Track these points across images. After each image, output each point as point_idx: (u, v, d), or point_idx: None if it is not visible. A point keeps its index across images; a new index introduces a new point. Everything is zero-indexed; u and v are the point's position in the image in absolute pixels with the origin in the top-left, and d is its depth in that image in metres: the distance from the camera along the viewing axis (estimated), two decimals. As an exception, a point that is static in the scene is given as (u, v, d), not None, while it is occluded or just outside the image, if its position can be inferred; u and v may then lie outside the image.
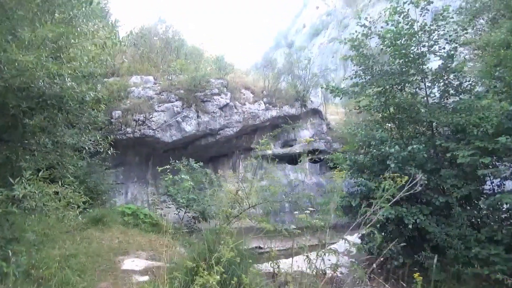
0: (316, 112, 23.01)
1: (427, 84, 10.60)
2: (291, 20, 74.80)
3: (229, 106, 17.30)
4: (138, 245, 8.27)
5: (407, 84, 10.71)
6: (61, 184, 5.19)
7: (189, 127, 16.13)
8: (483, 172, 8.29)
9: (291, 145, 21.95)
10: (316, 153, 22.36)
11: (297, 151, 21.49)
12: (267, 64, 23.36)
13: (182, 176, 9.72)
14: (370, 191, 9.87)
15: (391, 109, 10.76)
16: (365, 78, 11.14)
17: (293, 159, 22.22)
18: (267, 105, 19.26)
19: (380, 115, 11.54)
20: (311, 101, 22.31)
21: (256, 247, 17.72)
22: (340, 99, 13.17)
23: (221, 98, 17.01)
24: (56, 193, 4.78)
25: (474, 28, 13.45)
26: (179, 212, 12.34)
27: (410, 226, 8.72)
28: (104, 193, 12.58)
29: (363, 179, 10.00)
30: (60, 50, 5.27)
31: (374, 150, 10.32)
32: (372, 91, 11.42)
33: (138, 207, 11.69)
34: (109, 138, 7.97)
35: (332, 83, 28.76)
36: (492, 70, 9.77)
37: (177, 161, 8.76)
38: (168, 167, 7.54)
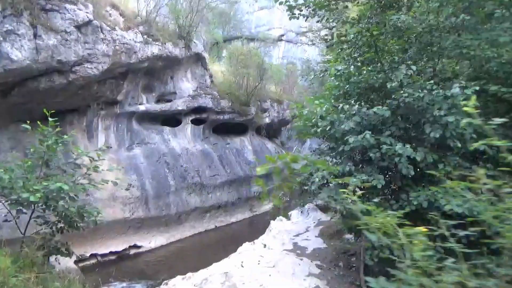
0: (199, 59, 17.73)
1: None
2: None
3: (92, 27, 10.46)
4: None
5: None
6: None
7: (19, 52, 8.79)
8: None
9: (169, 100, 16.24)
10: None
11: (179, 108, 16.07)
12: None
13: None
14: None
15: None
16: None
17: (169, 120, 16.68)
18: (145, 37, 12.98)
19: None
20: (195, 42, 16.90)
21: (129, 247, 11.88)
22: (306, 20, 8.67)
23: (79, 10, 10.03)
24: None
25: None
26: (18, 217, 5.83)
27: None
28: None
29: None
30: None
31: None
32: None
33: None
34: None
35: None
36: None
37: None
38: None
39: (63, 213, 5.83)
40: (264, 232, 12.15)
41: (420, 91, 6.15)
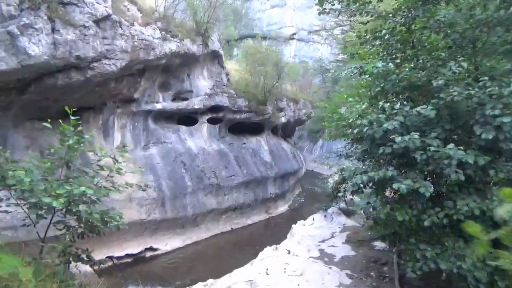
0: (215, 57, 17.33)
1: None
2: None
3: (110, 22, 10.09)
4: None
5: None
6: None
7: (37, 47, 8.44)
8: None
9: (186, 98, 15.84)
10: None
11: (196, 107, 15.66)
12: None
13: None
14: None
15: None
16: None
17: (186, 118, 16.28)
18: (163, 33, 12.59)
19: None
20: (212, 39, 16.47)
21: (145, 250, 11.48)
22: (338, 15, 8.14)
23: (97, 3, 9.65)
24: None
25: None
26: (34, 223, 5.43)
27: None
28: None
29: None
30: None
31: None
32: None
33: None
34: None
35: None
36: None
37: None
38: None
39: (84, 218, 5.43)
40: (282, 235, 11.70)
41: (471, 88, 5.64)
